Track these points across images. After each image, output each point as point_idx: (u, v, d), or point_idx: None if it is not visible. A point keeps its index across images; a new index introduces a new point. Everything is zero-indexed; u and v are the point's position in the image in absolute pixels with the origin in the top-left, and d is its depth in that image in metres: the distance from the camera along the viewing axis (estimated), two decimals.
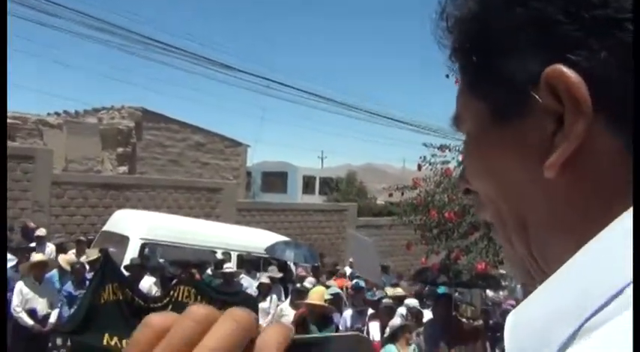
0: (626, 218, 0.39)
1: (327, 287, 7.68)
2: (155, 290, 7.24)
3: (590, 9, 0.40)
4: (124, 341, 5.26)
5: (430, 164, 6.22)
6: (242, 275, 8.88)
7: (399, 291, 8.36)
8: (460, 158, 6.12)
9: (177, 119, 19.95)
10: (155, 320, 0.35)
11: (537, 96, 0.42)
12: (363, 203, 22.95)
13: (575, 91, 0.40)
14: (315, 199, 25.45)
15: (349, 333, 0.39)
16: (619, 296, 0.36)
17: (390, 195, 6.70)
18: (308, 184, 28.05)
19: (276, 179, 27.67)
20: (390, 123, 21.21)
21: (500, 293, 9.84)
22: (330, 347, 0.38)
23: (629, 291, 0.36)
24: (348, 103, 19.96)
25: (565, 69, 0.40)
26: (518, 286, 8.71)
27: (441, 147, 6.31)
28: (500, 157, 0.47)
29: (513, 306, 7.07)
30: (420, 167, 6.31)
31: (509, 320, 0.43)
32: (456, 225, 5.94)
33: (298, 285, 7.82)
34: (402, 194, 6.70)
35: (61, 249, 9.17)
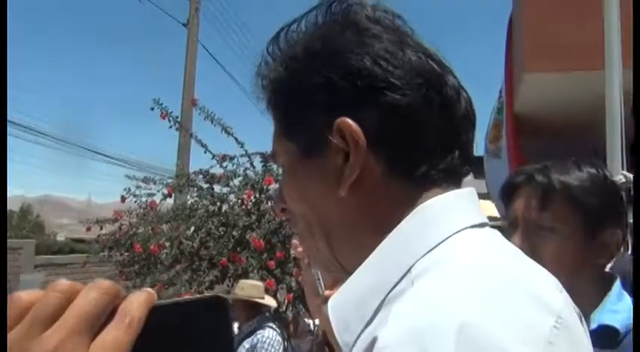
0: (404, 223, 0.58)
1: None
2: None
3: (362, 79, 0.58)
4: None
5: (135, 196, 6.05)
6: None
7: None
8: (166, 191, 6.13)
9: None
10: (22, 295, 0.38)
11: (332, 139, 0.59)
12: (40, 239, 20.43)
13: (355, 136, 0.58)
14: None
15: (208, 295, 0.43)
16: (408, 273, 0.55)
17: (89, 228, 6.21)
18: None
19: None
20: (79, 151, 19.02)
21: None
22: (190, 307, 0.41)
23: (414, 270, 0.54)
24: (30, 127, 17.11)
25: (349, 120, 0.58)
26: None
27: (145, 180, 6.22)
28: (308, 183, 0.63)
29: None
30: (123, 199, 6.07)
31: (331, 303, 0.59)
32: (159, 258, 5.88)
33: None
34: (101, 228, 6.30)
35: None
